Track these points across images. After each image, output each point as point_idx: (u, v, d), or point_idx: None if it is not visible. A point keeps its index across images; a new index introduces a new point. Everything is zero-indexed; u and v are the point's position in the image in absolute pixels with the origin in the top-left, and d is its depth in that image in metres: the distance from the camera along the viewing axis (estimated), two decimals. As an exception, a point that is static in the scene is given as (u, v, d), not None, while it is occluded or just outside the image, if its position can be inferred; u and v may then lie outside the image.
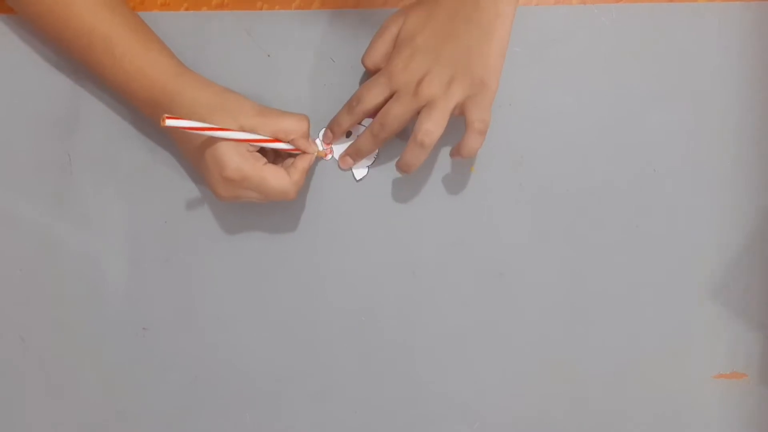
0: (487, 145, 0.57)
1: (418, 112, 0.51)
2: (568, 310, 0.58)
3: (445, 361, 0.59)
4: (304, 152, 0.53)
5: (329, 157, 0.57)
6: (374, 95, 0.52)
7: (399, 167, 0.53)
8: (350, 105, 0.54)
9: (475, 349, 0.59)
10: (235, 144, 0.50)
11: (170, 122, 0.46)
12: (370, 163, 0.57)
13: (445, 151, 0.57)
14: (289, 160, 0.54)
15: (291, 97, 0.56)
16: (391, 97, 0.52)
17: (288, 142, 0.52)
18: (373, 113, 0.54)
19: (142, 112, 0.54)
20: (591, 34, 0.56)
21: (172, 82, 0.51)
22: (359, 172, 0.57)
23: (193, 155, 0.53)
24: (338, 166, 0.57)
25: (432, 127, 0.50)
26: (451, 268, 0.58)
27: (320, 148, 0.56)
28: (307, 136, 0.53)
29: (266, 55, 0.57)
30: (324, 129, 0.56)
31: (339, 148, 0.57)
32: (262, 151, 0.53)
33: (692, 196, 0.57)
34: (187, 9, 0.57)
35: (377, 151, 0.57)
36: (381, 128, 0.52)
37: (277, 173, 0.51)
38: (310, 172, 0.57)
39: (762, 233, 0.57)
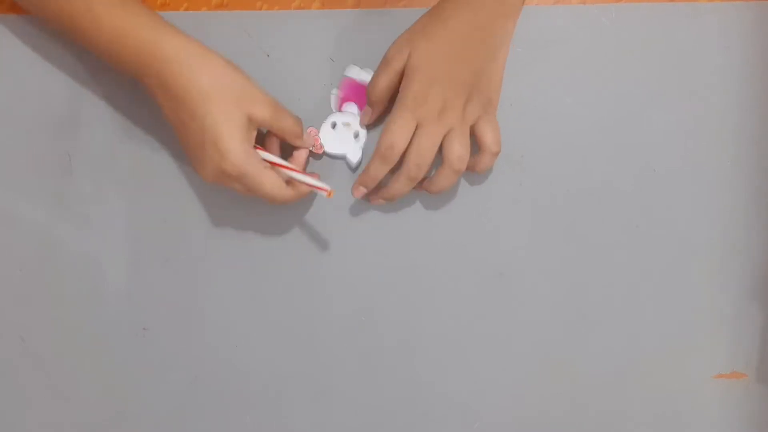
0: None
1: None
2: (568, 310, 0.58)
3: (445, 361, 0.59)
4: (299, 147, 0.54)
5: (321, 151, 0.57)
6: (405, 135, 0.51)
7: (431, 191, 0.53)
8: (383, 154, 0.52)
9: (475, 349, 0.59)
10: (241, 138, 0.49)
11: (262, 154, 0.50)
12: (361, 143, 0.57)
13: (445, 151, 0.57)
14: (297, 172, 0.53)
15: (290, 97, 0.56)
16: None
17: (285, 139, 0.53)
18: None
19: (130, 75, 0.51)
20: (591, 34, 0.56)
21: (159, 48, 0.49)
22: (355, 154, 0.57)
23: (189, 137, 0.50)
24: (352, 193, 0.55)
25: (463, 152, 0.51)
26: (451, 268, 0.58)
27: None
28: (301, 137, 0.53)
29: (266, 55, 0.57)
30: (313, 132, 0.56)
31: (329, 141, 0.57)
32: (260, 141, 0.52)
33: (692, 196, 0.57)
34: (186, 9, 0.57)
35: (365, 131, 0.57)
36: (418, 169, 0.51)
37: (274, 182, 0.51)
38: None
39: (762, 233, 0.57)
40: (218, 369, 0.59)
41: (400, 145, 0.51)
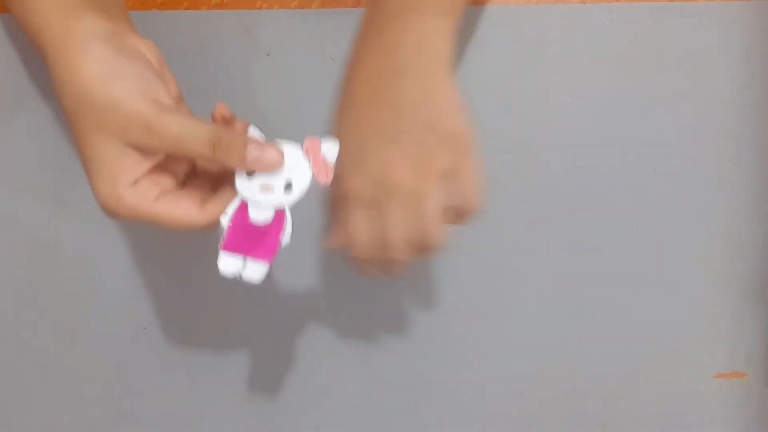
0: (487, 145, 0.57)
1: None
2: (568, 310, 0.58)
3: (445, 361, 0.59)
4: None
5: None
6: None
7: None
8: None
9: (476, 349, 0.59)
10: (111, 175, 0.36)
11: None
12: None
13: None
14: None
15: (290, 97, 0.56)
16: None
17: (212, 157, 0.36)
18: None
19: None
20: (591, 34, 0.56)
21: (39, 38, 0.38)
22: (255, 270, 0.39)
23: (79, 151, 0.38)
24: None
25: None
26: (451, 267, 0.58)
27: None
28: (220, 147, 0.36)
29: (266, 55, 0.57)
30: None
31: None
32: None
33: (692, 196, 0.57)
34: (186, 8, 0.57)
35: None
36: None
37: (176, 207, 0.38)
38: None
39: (762, 233, 0.57)
40: (218, 369, 0.59)
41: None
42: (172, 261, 0.58)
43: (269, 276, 0.58)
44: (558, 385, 0.59)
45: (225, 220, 0.37)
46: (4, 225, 0.58)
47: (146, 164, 0.37)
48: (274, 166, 0.36)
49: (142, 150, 0.37)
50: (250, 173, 0.36)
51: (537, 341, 0.58)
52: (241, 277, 0.37)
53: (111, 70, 0.37)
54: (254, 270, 0.37)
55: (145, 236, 0.58)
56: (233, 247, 0.37)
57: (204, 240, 0.58)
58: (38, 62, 0.57)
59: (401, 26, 0.39)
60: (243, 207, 0.36)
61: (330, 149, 0.37)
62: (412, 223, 0.40)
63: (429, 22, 0.40)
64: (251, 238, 0.36)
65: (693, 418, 0.59)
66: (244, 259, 0.37)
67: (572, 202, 0.57)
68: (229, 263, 0.37)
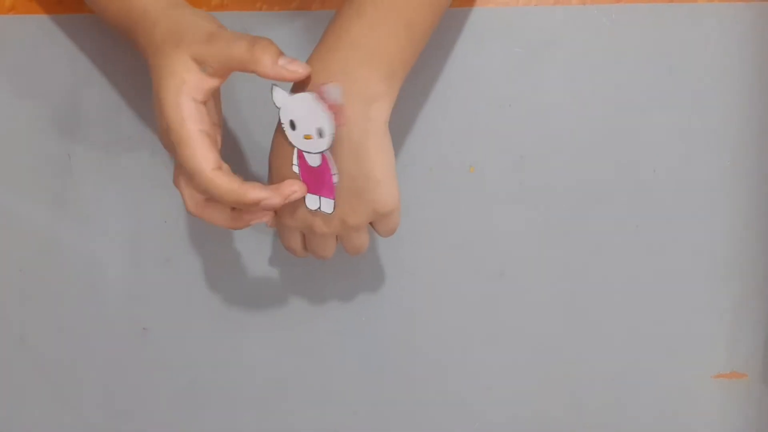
0: (487, 145, 0.57)
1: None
2: (568, 309, 0.58)
3: (445, 361, 0.59)
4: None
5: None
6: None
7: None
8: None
9: (475, 349, 0.59)
10: (175, 86, 0.40)
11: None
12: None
13: (443, 149, 0.57)
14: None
15: (291, 97, 0.56)
16: None
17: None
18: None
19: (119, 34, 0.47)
20: (591, 34, 0.56)
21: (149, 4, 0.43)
22: (326, 205, 0.45)
23: (151, 70, 0.42)
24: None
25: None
26: (451, 268, 0.58)
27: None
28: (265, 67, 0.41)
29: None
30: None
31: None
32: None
33: (692, 197, 0.57)
34: (187, 9, 0.57)
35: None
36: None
37: (208, 156, 0.41)
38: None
39: (762, 233, 0.57)
40: (218, 369, 0.59)
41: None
42: (173, 261, 0.58)
43: (269, 276, 0.58)
44: (558, 384, 0.59)
45: (296, 169, 0.43)
46: (4, 225, 0.58)
47: (206, 84, 0.41)
48: (299, 74, 0.41)
49: (203, 62, 0.40)
50: (293, 126, 0.41)
51: (537, 341, 0.58)
52: (320, 209, 0.44)
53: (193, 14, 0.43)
54: (326, 205, 0.43)
55: (145, 237, 0.58)
56: (309, 189, 0.43)
57: (204, 240, 0.58)
58: (39, 62, 0.57)
59: (347, 88, 0.41)
60: (303, 155, 0.42)
61: (333, 92, 0.40)
62: (334, 242, 0.48)
63: (376, 84, 0.42)
64: (315, 180, 0.43)
65: (692, 418, 0.59)
66: (320, 197, 0.43)
67: (571, 203, 0.57)
68: (311, 201, 0.43)
